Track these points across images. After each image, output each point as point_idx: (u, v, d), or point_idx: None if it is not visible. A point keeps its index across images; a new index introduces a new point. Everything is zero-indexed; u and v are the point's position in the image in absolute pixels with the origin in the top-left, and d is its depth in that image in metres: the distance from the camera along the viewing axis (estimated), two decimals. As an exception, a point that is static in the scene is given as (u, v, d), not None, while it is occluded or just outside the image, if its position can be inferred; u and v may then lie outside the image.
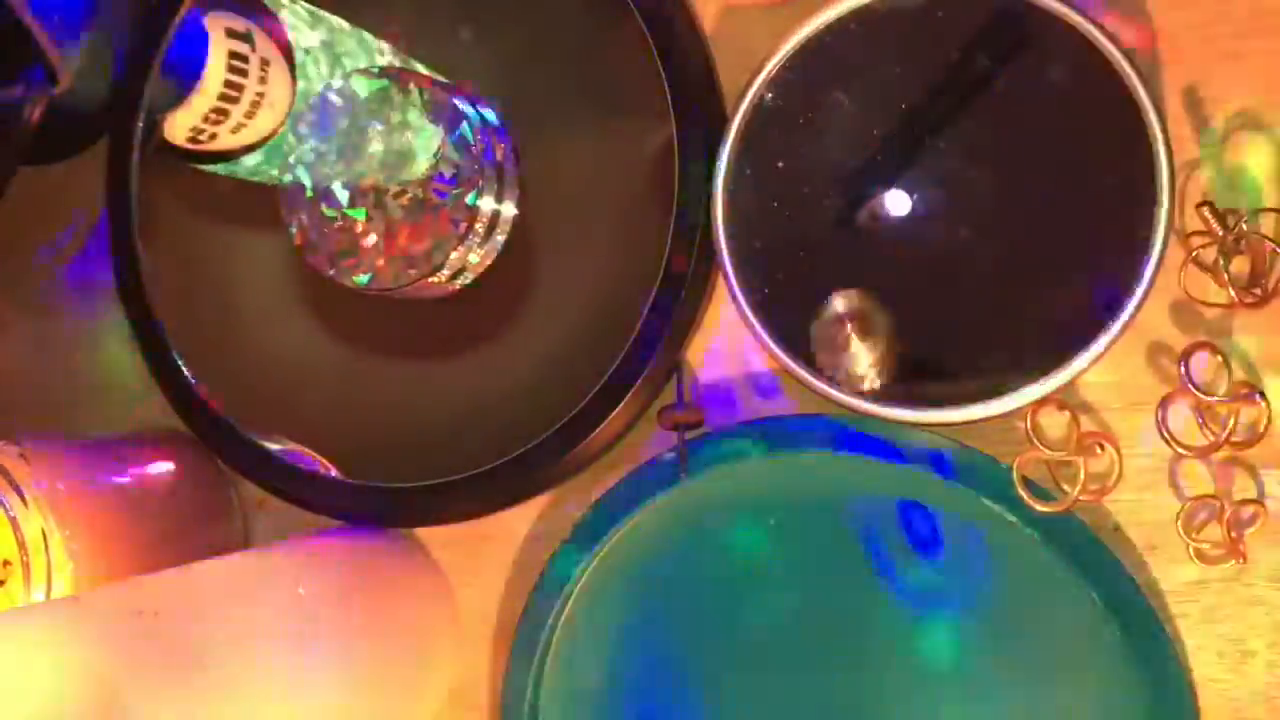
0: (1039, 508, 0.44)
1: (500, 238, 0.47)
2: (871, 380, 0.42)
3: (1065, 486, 0.44)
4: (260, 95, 0.47)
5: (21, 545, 0.44)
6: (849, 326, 0.42)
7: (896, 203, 0.43)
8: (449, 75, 0.50)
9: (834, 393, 0.43)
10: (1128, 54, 0.40)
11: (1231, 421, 0.43)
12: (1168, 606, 0.45)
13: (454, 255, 0.45)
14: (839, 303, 0.42)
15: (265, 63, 0.47)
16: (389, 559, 0.52)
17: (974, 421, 0.42)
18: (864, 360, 0.42)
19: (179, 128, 0.47)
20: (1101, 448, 0.44)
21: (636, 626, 0.50)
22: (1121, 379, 0.45)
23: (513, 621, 0.51)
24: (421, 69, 0.50)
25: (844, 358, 0.42)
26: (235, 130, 0.47)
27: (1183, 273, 0.43)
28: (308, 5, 0.48)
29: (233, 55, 0.46)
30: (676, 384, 0.48)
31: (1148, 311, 0.41)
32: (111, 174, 0.53)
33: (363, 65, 0.48)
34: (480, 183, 0.45)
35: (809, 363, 0.44)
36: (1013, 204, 0.43)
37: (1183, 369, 0.43)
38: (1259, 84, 0.44)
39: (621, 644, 0.50)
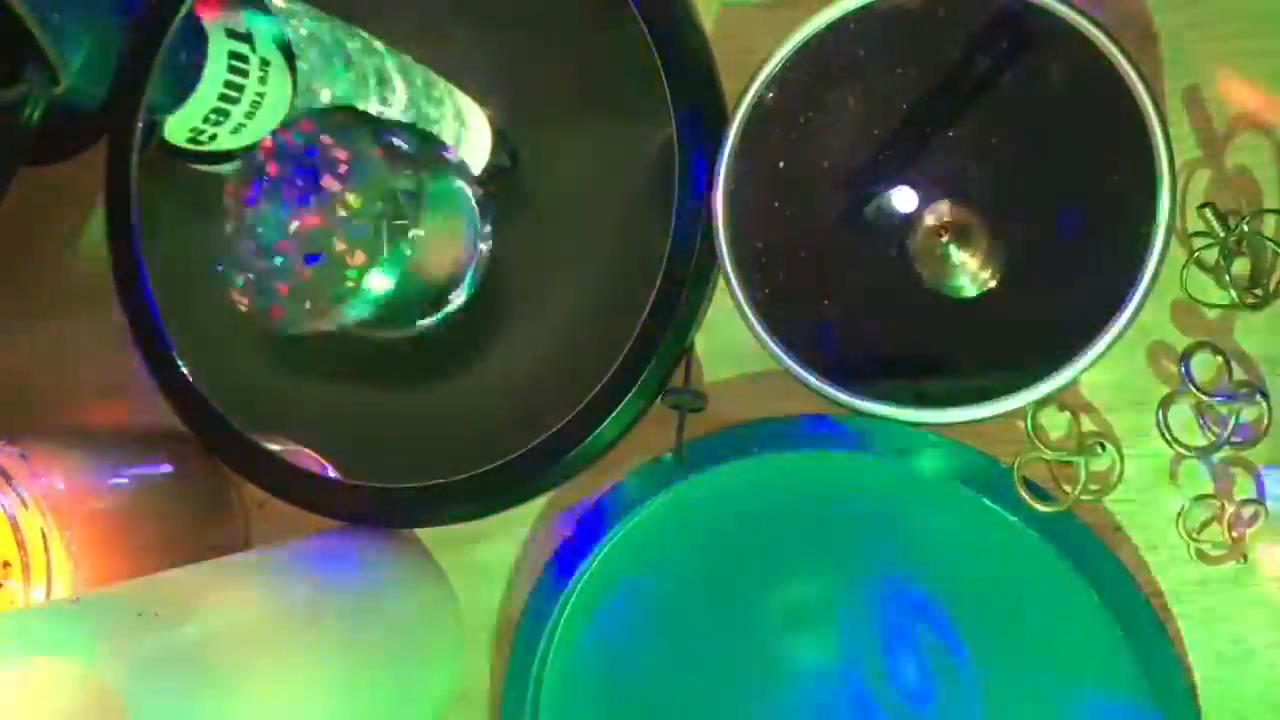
0: (1039, 508, 0.44)
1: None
2: (982, 284, 0.42)
3: (1065, 486, 0.44)
4: (260, 95, 0.47)
5: (21, 546, 0.44)
6: (944, 236, 0.41)
7: (897, 203, 0.43)
8: (449, 75, 0.50)
9: (834, 392, 0.43)
10: (1128, 54, 0.40)
11: (1232, 421, 0.43)
12: (1168, 606, 0.45)
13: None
14: (930, 217, 0.41)
15: (265, 63, 0.47)
16: (389, 559, 0.52)
17: (974, 421, 0.42)
18: (967, 267, 0.41)
19: (179, 128, 0.47)
20: (1102, 448, 0.44)
21: (636, 627, 0.50)
22: (1122, 379, 0.45)
23: (513, 621, 0.51)
24: (418, 69, 0.50)
25: (945, 269, 0.41)
26: (235, 130, 0.47)
27: (1184, 273, 0.43)
28: (308, 5, 0.48)
29: (233, 55, 0.46)
30: (685, 366, 0.48)
31: (1149, 312, 0.41)
32: (111, 174, 0.53)
33: (362, 67, 0.48)
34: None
35: (809, 363, 0.44)
36: (1013, 204, 0.43)
37: (1183, 369, 0.43)
38: (1259, 84, 0.44)
39: (621, 644, 0.50)
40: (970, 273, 0.42)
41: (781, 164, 0.45)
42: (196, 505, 0.54)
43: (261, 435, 0.51)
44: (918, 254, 0.42)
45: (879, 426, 0.45)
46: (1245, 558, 0.43)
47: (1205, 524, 0.44)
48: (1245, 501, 0.44)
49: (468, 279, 0.48)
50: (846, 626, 0.47)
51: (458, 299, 0.48)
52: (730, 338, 0.47)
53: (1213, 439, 0.43)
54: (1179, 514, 0.44)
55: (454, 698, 0.53)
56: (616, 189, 0.49)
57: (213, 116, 0.47)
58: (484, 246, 0.48)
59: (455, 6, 0.52)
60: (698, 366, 0.49)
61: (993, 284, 0.42)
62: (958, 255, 0.41)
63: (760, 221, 0.45)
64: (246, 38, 0.47)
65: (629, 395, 0.47)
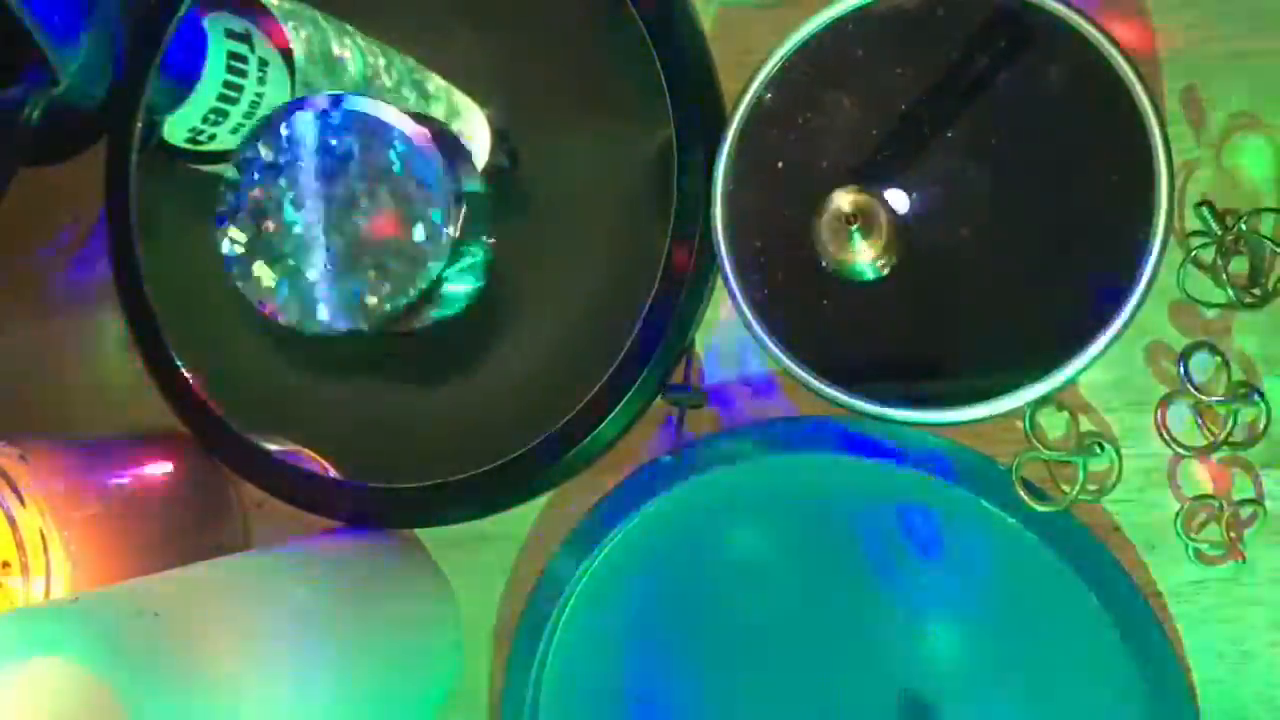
0: (1038, 508, 0.44)
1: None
2: (877, 270, 0.42)
3: (1065, 486, 0.44)
4: (259, 96, 0.47)
5: (20, 546, 0.44)
6: (853, 224, 0.41)
7: (896, 202, 0.43)
8: (449, 75, 0.50)
9: (834, 393, 0.43)
10: (1127, 54, 0.40)
11: (1231, 421, 0.43)
12: (1168, 606, 0.45)
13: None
14: (840, 201, 0.41)
15: (264, 63, 0.47)
16: (389, 559, 0.52)
17: (974, 421, 0.42)
18: (867, 255, 0.42)
19: (179, 128, 0.47)
20: (1101, 448, 0.44)
21: (636, 627, 0.50)
22: (1121, 379, 0.45)
23: (513, 621, 0.51)
24: (413, 67, 0.50)
25: (848, 254, 0.42)
26: (235, 130, 0.47)
27: (1182, 273, 0.43)
28: (307, 5, 0.48)
29: (232, 56, 0.46)
30: (685, 365, 0.48)
31: (1147, 311, 0.41)
32: (111, 174, 0.53)
33: (357, 66, 0.48)
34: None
35: (809, 363, 0.44)
36: (1012, 204, 0.43)
37: (1182, 369, 0.43)
38: (1259, 84, 0.44)
39: (621, 644, 0.50)
40: (868, 261, 0.42)
41: (780, 164, 0.45)
42: (196, 505, 0.54)
43: (261, 435, 0.51)
44: (822, 239, 0.42)
45: (878, 427, 0.45)
46: (1244, 558, 0.43)
47: (1204, 524, 0.44)
48: (1244, 501, 0.44)
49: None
50: (845, 626, 0.47)
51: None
52: (730, 338, 0.47)
53: (1211, 439, 0.43)
54: (1177, 514, 0.44)
55: (454, 697, 0.53)
56: (616, 189, 0.49)
57: (212, 116, 0.47)
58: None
59: (455, 6, 0.52)
60: (698, 366, 0.49)
61: (885, 271, 0.42)
62: (860, 243, 0.42)
63: (759, 221, 0.45)
64: (245, 38, 0.47)
65: (628, 395, 0.47)
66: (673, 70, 0.46)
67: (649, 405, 0.48)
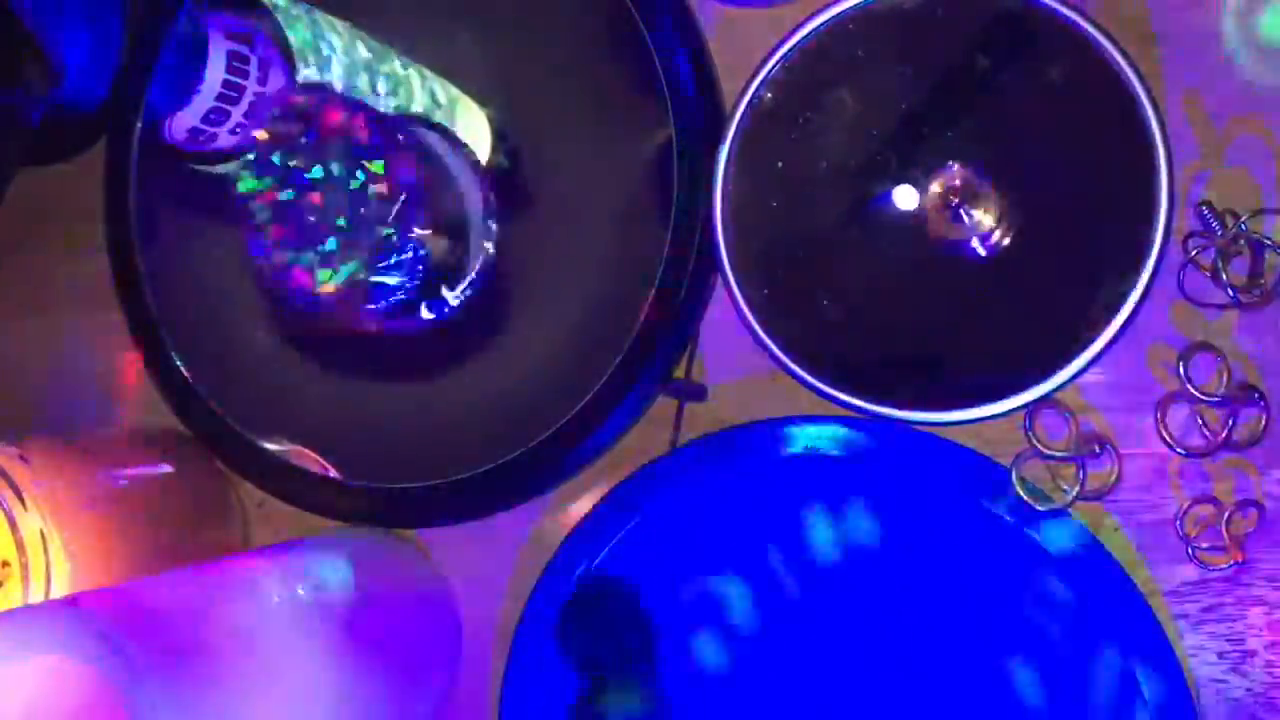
0: (1038, 508, 0.44)
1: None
2: (1000, 237, 0.42)
3: (1065, 486, 0.44)
4: (259, 96, 0.47)
5: (20, 546, 0.44)
6: (955, 201, 0.41)
7: (896, 202, 0.43)
8: (449, 76, 0.50)
9: (834, 393, 0.43)
10: (1128, 55, 0.40)
11: (1231, 422, 0.43)
12: (1168, 606, 0.45)
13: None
14: (936, 186, 0.41)
15: (265, 63, 0.47)
16: (389, 559, 0.52)
17: (973, 421, 0.42)
18: (985, 224, 0.42)
19: (179, 128, 0.47)
20: (1101, 448, 0.44)
21: (636, 626, 0.50)
22: (1121, 379, 0.45)
23: (513, 621, 0.51)
24: (415, 74, 0.50)
25: (965, 228, 0.42)
26: (235, 130, 0.47)
27: (1182, 273, 0.43)
28: (308, 6, 0.48)
29: (233, 56, 0.46)
30: (689, 359, 0.48)
31: (1147, 312, 0.41)
32: (111, 174, 0.53)
33: (356, 66, 0.48)
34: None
35: (809, 363, 0.44)
36: (1012, 204, 0.43)
37: (1182, 369, 0.43)
38: (1259, 84, 0.44)
39: (621, 644, 0.50)
40: (983, 231, 0.42)
41: (780, 164, 0.45)
42: (196, 505, 0.54)
43: (261, 435, 0.51)
44: (930, 220, 0.42)
45: (878, 427, 0.45)
46: (1244, 558, 0.43)
47: (1205, 524, 0.44)
48: (1243, 502, 0.44)
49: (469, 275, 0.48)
50: (844, 622, 0.47)
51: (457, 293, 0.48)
52: (730, 338, 0.47)
53: (1211, 440, 0.43)
54: (1178, 514, 0.44)
55: (453, 697, 0.53)
56: (616, 189, 0.49)
57: (212, 116, 0.47)
58: (489, 244, 0.48)
59: (455, 8, 0.51)
60: (700, 359, 0.49)
61: (1006, 241, 0.42)
62: (969, 216, 0.41)
63: (759, 221, 0.45)
64: (246, 38, 0.47)
65: (628, 395, 0.47)
66: (673, 70, 0.46)
67: (649, 405, 0.48)
